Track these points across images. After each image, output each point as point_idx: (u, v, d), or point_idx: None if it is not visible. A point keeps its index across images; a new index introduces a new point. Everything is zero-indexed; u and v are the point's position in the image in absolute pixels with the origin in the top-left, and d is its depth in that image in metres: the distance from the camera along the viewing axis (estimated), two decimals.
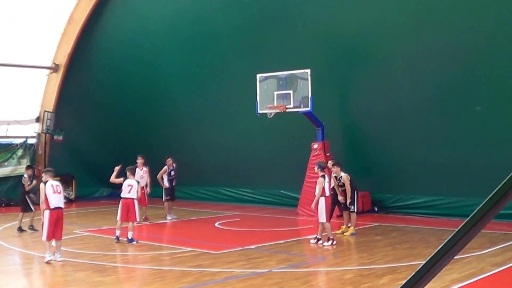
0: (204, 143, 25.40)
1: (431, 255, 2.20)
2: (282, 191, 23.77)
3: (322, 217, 14.79)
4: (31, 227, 17.82)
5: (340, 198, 16.22)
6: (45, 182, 13.07)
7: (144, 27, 24.68)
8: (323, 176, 14.90)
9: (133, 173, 16.33)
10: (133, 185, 15.78)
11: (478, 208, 2.07)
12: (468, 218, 2.11)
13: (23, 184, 18.38)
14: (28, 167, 18.97)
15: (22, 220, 17.81)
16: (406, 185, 20.33)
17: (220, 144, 24.80)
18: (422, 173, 19.77)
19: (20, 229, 17.67)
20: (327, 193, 14.96)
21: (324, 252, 14.25)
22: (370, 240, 15.76)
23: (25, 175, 18.58)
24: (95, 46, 26.60)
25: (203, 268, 12.08)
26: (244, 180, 24.98)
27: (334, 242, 14.75)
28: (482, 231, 2.17)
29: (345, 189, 16.37)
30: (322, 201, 14.82)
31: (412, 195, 20.38)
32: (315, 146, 20.44)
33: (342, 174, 16.49)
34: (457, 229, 2.14)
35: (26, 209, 17.87)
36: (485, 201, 2.05)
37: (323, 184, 14.83)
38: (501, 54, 17.20)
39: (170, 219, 20.45)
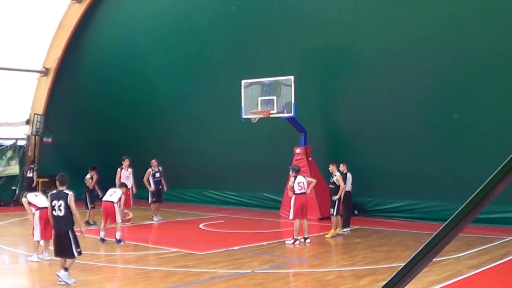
0: (189, 147, 25.52)
1: (410, 258, 2.21)
2: (265, 194, 23.92)
3: (291, 214, 15.46)
4: (88, 222, 18.67)
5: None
6: (25, 196, 13.64)
7: (132, 33, 24.80)
8: (295, 177, 15.61)
9: (121, 187, 16.80)
10: (116, 191, 16.24)
11: (457, 212, 2.09)
12: (447, 221, 2.13)
13: (86, 184, 19.24)
14: (92, 168, 19.62)
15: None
16: (386, 189, 20.52)
17: (205, 147, 24.93)
18: (401, 178, 19.99)
19: (88, 223, 18.61)
20: (297, 191, 15.54)
21: (306, 253, 14.54)
22: (350, 242, 16.01)
23: (88, 176, 19.29)
24: (84, 51, 26.72)
25: (188, 268, 12.27)
26: (229, 183, 25.13)
27: (297, 243, 15.28)
28: (459, 234, 2.19)
29: (334, 188, 16.79)
30: (293, 199, 15.50)
31: (391, 199, 20.61)
32: (298, 150, 20.62)
33: (337, 173, 16.91)
34: (436, 232, 2.16)
35: (87, 206, 19.05)
36: (464, 205, 2.07)
37: (292, 182, 15.60)
38: (479, 62, 17.46)
39: (157, 220, 20.65)
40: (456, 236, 2.18)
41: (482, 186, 2.04)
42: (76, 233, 10.99)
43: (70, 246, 10.70)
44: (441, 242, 2.15)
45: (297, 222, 15.39)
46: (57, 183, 11.28)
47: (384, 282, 2.27)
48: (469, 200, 2.08)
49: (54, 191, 11.18)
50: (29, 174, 25.53)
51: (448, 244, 2.20)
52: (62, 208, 10.70)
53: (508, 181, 1.98)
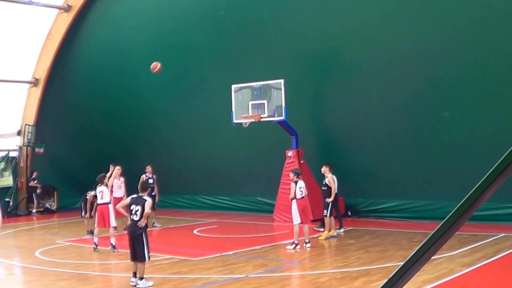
0: (181, 153, 25.52)
1: (408, 257, 2.23)
2: (258, 198, 23.96)
3: (296, 219, 15.33)
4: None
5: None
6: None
7: (121, 41, 24.85)
8: (295, 182, 15.48)
9: (102, 181, 16.37)
10: (103, 190, 16.02)
11: (454, 210, 2.10)
12: (444, 220, 2.13)
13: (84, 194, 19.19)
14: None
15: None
16: (378, 190, 20.62)
17: (197, 153, 24.97)
18: (393, 178, 20.10)
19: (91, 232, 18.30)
20: (298, 196, 15.47)
21: (299, 256, 14.56)
22: (343, 243, 16.07)
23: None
24: (73, 60, 26.72)
25: (182, 275, 12.27)
26: (221, 187, 25.12)
27: (298, 247, 15.21)
28: None
29: (327, 190, 16.88)
30: (294, 203, 15.38)
31: (384, 200, 20.71)
32: (290, 153, 20.68)
33: (329, 175, 16.93)
34: (433, 232, 2.16)
35: (81, 215, 19.42)
36: (461, 203, 2.08)
37: (294, 189, 15.42)
38: (469, 60, 17.59)
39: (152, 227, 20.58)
40: (454, 233, 2.19)
41: (479, 183, 2.06)
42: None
43: (143, 249, 11.12)
44: (438, 241, 2.18)
45: (297, 227, 15.38)
46: (139, 189, 11.81)
47: (383, 282, 2.32)
48: (465, 198, 2.09)
49: (135, 196, 11.71)
50: (32, 183, 26.70)
51: (445, 242, 2.21)
52: (138, 213, 11.20)
53: (503, 179, 2.01)
